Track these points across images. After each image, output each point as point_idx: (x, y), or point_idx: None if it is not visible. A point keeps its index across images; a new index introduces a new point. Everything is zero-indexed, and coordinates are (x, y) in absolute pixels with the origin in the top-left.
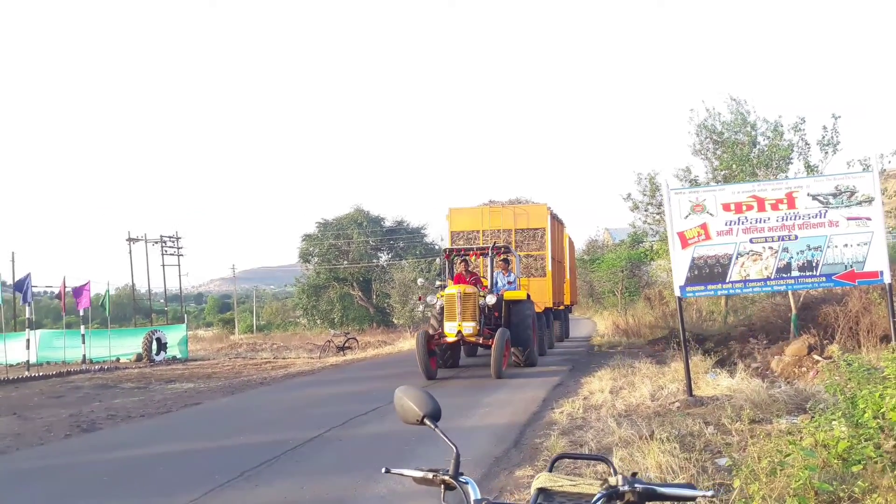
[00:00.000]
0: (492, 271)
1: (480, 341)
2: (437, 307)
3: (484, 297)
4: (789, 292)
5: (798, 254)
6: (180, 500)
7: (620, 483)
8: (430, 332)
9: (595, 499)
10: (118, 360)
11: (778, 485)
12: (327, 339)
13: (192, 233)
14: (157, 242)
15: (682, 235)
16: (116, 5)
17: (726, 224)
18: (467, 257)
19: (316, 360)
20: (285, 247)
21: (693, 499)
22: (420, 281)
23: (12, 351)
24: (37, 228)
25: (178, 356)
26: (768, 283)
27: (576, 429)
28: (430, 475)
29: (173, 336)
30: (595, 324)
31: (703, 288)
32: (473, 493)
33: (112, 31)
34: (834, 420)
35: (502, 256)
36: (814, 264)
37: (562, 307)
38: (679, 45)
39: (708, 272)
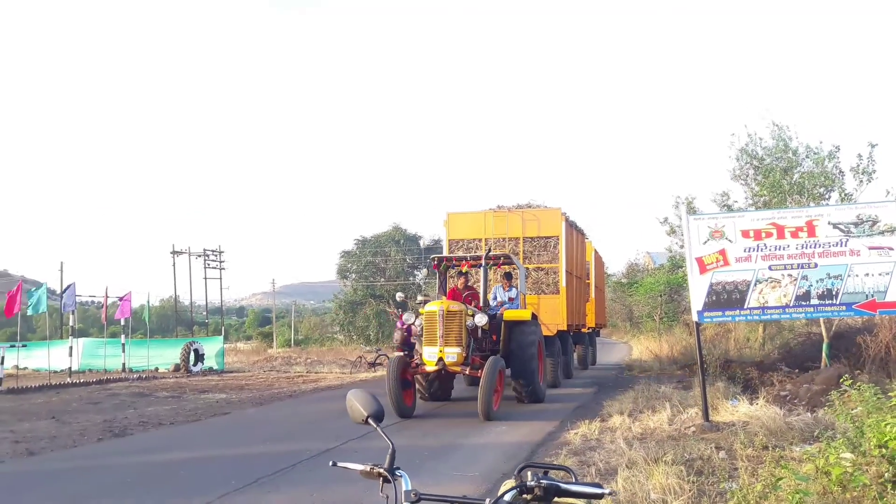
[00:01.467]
0: (484, 285)
1: (467, 372)
2: (418, 328)
3: (472, 315)
4: (822, 321)
5: (818, 282)
6: (194, 502)
7: (530, 479)
8: (408, 358)
9: (506, 490)
10: (157, 369)
11: None
12: (359, 355)
13: (235, 247)
14: (200, 256)
15: (700, 261)
16: (166, 20)
17: (745, 251)
18: (468, 270)
19: (346, 375)
20: (324, 263)
21: (595, 496)
22: (399, 295)
23: (57, 358)
24: (84, 239)
25: (215, 367)
26: (787, 310)
27: (588, 450)
28: (370, 468)
29: (211, 348)
30: (631, 348)
31: (720, 314)
32: (405, 484)
33: (157, 49)
34: (839, 448)
35: (502, 268)
36: (834, 293)
37: (585, 330)
38: (720, 65)
39: (726, 298)
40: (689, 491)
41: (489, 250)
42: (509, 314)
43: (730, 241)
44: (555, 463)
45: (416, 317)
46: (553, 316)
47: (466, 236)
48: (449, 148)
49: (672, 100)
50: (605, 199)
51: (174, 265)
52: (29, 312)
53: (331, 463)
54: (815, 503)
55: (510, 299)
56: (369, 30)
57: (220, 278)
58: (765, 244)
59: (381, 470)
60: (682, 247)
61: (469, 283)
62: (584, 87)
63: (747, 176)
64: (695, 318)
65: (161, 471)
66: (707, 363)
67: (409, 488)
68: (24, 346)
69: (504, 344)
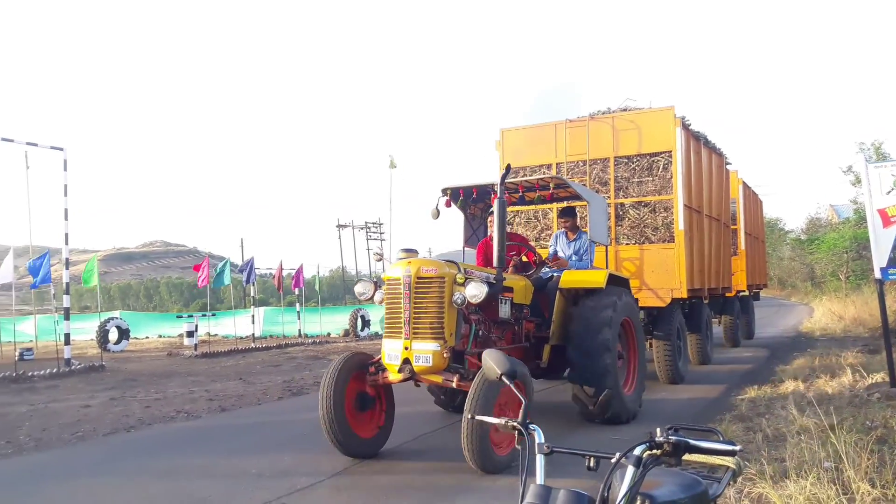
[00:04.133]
0: (500, 233)
1: (454, 382)
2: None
3: (464, 283)
4: None
5: None
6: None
7: (659, 434)
8: (369, 358)
9: (636, 445)
10: (328, 334)
11: None
12: None
13: (395, 219)
14: (362, 228)
15: (883, 213)
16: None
17: None
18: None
19: None
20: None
21: (725, 452)
22: (376, 253)
23: (241, 325)
24: (260, 216)
25: (380, 332)
26: None
27: (755, 415)
28: (504, 422)
29: (376, 314)
30: (812, 310)
31: None
32: (538, 438)
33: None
34: None
35: (560, 202)
36: None
37: (730, 294)
38: None
39: None
40: (868, 460)
41: (507, 170)
42: (568, 278)
43: None
44: (718, 428)
45: (376, 289)
46: (664, 276)
47: (530, 162)
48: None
49: (857, 28)
50: (781, 149)
51: (340, 237)
52: (216, 285)
53: (469, 416)
54: None
55: (576, 255)
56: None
57: (381, 249)
58: None
59: (516, 424)
60: None
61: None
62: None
63: None
64: (877, 275)
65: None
66: None
67: (543, 441)
68: (213, 315)
69: (558, 325)
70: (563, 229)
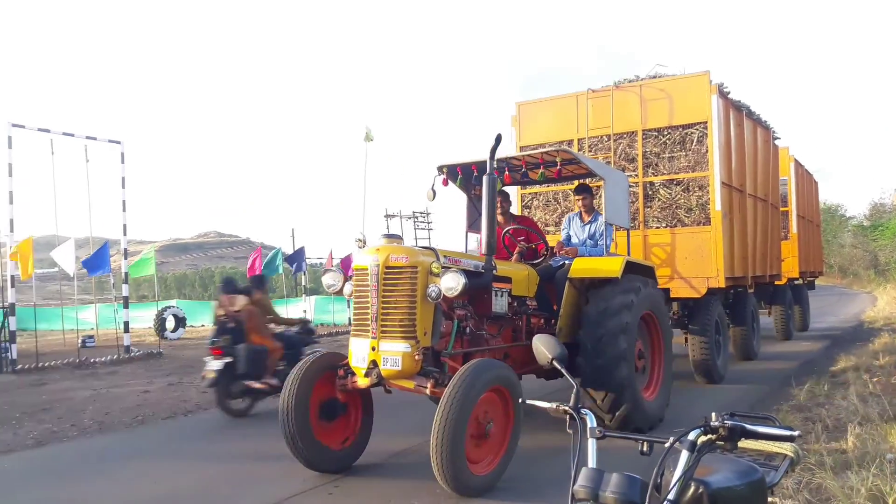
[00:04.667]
0: (489, 213)
1: (427, 389)
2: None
3: (439, 273)
4: None
5: None
6: (413, 441)
7: (714, 419)
8: (340, 359)
9: (691, 429)
10: None
11: None
12: None
13: (441, 210)
14: (409, 217)
15: None
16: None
17: None
18: (502, 186)
19: None
20: None
21: (783, 438)
22: (358, 238)
23: (293, 313)
24: (309, 207)
25: None
26: None
27: (815, 406)
28: (556, 406)
29: None
30: (876, 299)
31: None
32: (590, 422)
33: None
34: None
35: (572, 180)
36: None
37: (780, 282)
38: None
39: None
40: None
41: (497, 141)
42: (580, 266)
43: None
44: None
45: (346, 279)
46: (699, 264)
47: (548, 138)
48: None
49: None
50: (838, 130)
51: (387, 227)
52: (268, 274)
53: (520, 400)
54: None
55: (590, 239)
56: None
57: (429, 238)
58: None
59: (567, 408)
60: None
61: (508, 211)
62: None
63: None
64: None
65: (383, 410)
66: None
67: (594, 425)
68: None
69: (567, 319)
70: (578, 210)
